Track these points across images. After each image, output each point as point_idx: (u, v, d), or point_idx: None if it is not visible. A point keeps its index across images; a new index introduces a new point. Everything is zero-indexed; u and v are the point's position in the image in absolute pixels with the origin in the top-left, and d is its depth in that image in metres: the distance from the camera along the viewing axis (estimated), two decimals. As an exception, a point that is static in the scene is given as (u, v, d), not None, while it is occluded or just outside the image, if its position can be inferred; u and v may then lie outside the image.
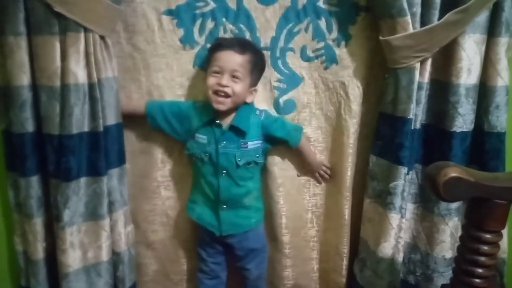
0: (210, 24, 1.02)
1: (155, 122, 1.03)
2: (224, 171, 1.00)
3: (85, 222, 0.97)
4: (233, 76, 0.96)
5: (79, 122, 0.90)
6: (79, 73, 0.88)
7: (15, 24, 0.87)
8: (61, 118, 0.90)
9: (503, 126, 0.99)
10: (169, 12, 1.01)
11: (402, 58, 0.94)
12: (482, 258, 0.71)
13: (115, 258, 1.02)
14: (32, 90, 0.91)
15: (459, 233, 1.00)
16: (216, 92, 0.97)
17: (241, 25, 1.03)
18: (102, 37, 0.90)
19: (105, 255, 0.99)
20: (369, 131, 1.11)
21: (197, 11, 1.02)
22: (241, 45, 0.97)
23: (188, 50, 1.03)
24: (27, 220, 0.97)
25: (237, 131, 1.00)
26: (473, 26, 0.92)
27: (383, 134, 1.02)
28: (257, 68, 1.00)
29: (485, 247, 0.71)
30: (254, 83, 1.00)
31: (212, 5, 1.01)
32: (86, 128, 0.92)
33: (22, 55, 0.88)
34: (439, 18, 0.91)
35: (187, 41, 1.02)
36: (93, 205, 0.96)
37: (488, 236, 0.71)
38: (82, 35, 0.87)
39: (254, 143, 1.02)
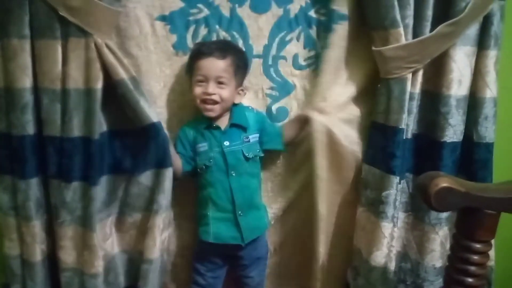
0: (203, 31, 1.03)
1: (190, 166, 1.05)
2: (233, 171, 1.01)
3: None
4: (219, 82, 0.97)
5: (80, 126, 0.92)
6: (79, 78, 0.89)
7: (19, 27, 0.88)
8: (63, 121, 0.92)
9: (492, 137, 1.02)
10: (163, 18, 1.01)
11: (394, 69, 0.96)
12: (472, 268, 0.72)
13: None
14: (33, 93, 0.92)
15: (449, 242, 1.03)
16: (204, 101, 0.98)
17: (234, 33, 1.04)
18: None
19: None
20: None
21: (191, 18, 1.02)
22: (221, 50, 0.97)
23: (181, 56, 1.04)
24: (25, 222, 0.98)
25: (238, 128, 1.02)
26: (464, 38, 0.94)
27: (375, 143, 1.03)
28: (240, 69, 1.00)
29: (475, 257, 0.72)
30: (240, 83, 1.02)
31: (205, 12, 1.02)
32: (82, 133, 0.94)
33: (25, 58, 0.90)
34: (431, 30, 0.93)
35: (180, 47, 1.02)
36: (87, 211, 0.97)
37: (478, 245, 0.72)
38: (83, 40, 0.88)
39: (254, 137, 1.04)
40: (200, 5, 1.02)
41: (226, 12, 1.02)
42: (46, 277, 1.02)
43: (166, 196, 0.98)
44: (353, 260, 1.12)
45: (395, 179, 0.99)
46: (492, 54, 0.97)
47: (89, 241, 0.96)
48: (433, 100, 0.99)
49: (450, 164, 1.00)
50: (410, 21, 0.92)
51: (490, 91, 0.99)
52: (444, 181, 0.70)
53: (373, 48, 0.97)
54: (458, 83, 0.96)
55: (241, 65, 1.00)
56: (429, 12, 0.93)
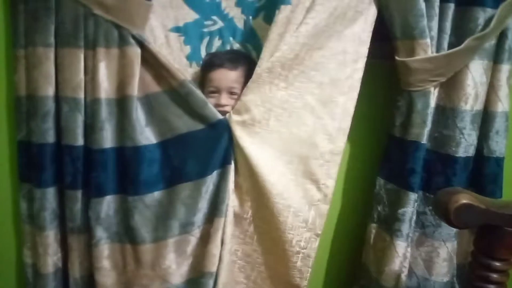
0: (217, 43, 1.03)
1: None
2: None
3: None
4: (231, 93, 0.97)
5: (114, 136, 0.92)
6: (108, 87, 0.89)
7: (46, 35, 0.88)
8: (93, 132, 0.90)
9: (502, 151, 1.01)
10: (177, 29, 1.01)
11: (418, 81, 0.95)
12: (492, 286, 0.72)
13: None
14: (55, 101, 0.92)
15: (456, 256, 1.03)
16: None
17: (248, 44, 1.04)
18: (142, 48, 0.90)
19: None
20: (367, 153, 1.12)
21: (205, 29, 1.02)
22: (232, 60, 0.97)
23: (194, 68, 1.03)
24: (38, 232, 0.96)
25: None
26: (481, 52, 0.94)
27: (392, 157, 1.02)
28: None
29: (495, 275, 0.72)
30: None
31: (220, 24, 1.02)
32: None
33: (49, 66, 0.89)
34: (449, 43, 0.94)
35: (194, 58, 1.02)
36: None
37: (497, 264, 0.72)
38: (116, 50, 0.89)
39: None
40: (214, 17, 1.02)
41: (240, 24, 1.02)
42: (57, 289, 0.98)
43: (229, 195, 0.96)
44: (360, 277, 1.11)
45: (413, 196, 0.98)
46: (505, 69, 0.97)
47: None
48: (448, 114, 0.98)
49: (464, 179, 0.99)
50: (434, 33, 0.92)
51: (502, 105, 0.98)
52: (464, 198, 0.70)
53: (397, 58, 0.95)
54: (475, 98, 0.95)
55: (252, 74, 0.99)
56: (448, 24, 0.93)
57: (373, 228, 1.07)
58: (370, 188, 1.10)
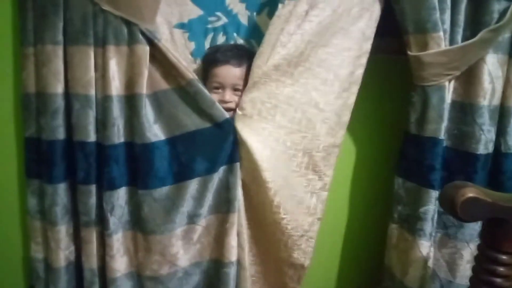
0: (221, 39, 1.12)
1: None
2: None
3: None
4: (235, 89, 1.04)
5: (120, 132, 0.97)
6: (118, 84, 0.94)
7: (54, 33, 0.94)
8: (104, 128, 0.96)
9: (520, 147, 1.09)
10: (181, 26, 1.04)
11: (432, 76, 0.98)
12: (498, 280, 0.77)
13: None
14: (64, 98, 0.98)
15: None
16: None
17: (252, 40, 1.11)
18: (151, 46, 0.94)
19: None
20: (382, 152, 1.16)
21: (209, 26, 1.07)
22: (237, 57, 1.03)
23: (199, 64, 1.11)
24: (50, 227, 1.04)
25: None
26: (497, 46, 0.98)
27: (409, 155, 1.06)
28: None
29: (501, 269, 0.77)
30: None
31: (224, 20, 1.06)
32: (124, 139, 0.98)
33: (58, 64, 0.95)
34: (462, 36, 0.97)
35: (198, 54, 1.08)
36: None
37: (504, 257, 0.77)
38: (125, 47, 0.92)
39: None
40: (218, 13, 1.07)
41: (244, 20, 1.11)
42: (70, 282, 1.08)
43: (239, 191, 1.03)
44: (383, 279, 1.15)
45: (434, 194, 1.03)
46: (521, 63, 1.05)
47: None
48: (466, 110, 1.01)
49: (483, 177, 1.02)
50: (447, 26, 0.97)
51: (519, 100, 1.06)
52: (470, 191, 0.74)
53: (409, 53, 1.00)
54: (492, 93, 0.99)
55: None
56: (461, 17, 0.97)
57: (394, 228, 1.11)
58: (385, 187, 1.15)
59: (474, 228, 1.01)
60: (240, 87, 1.02)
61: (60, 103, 0.97)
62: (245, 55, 1.04)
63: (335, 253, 1.27)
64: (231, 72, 1.01)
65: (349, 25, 0.97)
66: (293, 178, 1.02)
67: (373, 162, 1.21)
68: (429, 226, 1.02)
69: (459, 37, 0.97)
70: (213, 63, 1.03)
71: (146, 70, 0.93)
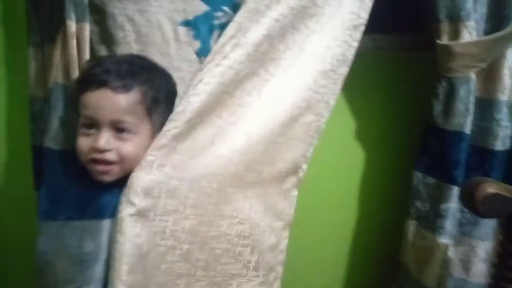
0: None
1: None
2: None
3: None
4: (117, 130, 0.70)
5: None
6: None
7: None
8: None
9: (535, 143, 1.10)
10: (186, 23, 0.98)
11: (460, 67, 0.96)
12: None
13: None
14: None
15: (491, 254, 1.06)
16: (93, 160, 0.70)
17: None
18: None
19: None
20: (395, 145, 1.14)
21: (215, 22, 1.00)
22: (123, 76, 0.70)
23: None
24: None
25: None
26: None
27: (431, 149, 1.04)
28: (161, 102, 0.75)
29: None
30: (161, 125, 0.74)
31: (231, 15, 0.99)
32: None
33: None
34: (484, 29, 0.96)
35: (203, 53, 1.00)
36: None
37: None
38: None
39: None
40: (225, 8, 0.99)
41: None
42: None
43: None
44: (398, 277, 1.14)
45: (456, 191, 1.01)
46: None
47: None
48: (484, 105, 1.00)
49: (501, 174, 1.02)
50: (478, 16, 0.93)
51: (535, 95, 1.07)
52: (491, 187, 0.73)
53: (439, 42, 0.97)
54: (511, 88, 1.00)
55: (162, 96, 0.75)
56: (484, 10, 0.94)
57: (411, 225, 1.09)
58: (399, 181, 1.14)
59: (489, 225, 1.01)
60: (130, 127, 0.69)
61: None
62: (141, 73, 0.72)
63: (346, 249, 1.25)
64: (108, 101, 0.67)
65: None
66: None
67: (385, 156, 1.19)
68: (450, 224, 1.01)
69: (481, 29, 0.94)
70: (84, 85, 0.69)
71: None
